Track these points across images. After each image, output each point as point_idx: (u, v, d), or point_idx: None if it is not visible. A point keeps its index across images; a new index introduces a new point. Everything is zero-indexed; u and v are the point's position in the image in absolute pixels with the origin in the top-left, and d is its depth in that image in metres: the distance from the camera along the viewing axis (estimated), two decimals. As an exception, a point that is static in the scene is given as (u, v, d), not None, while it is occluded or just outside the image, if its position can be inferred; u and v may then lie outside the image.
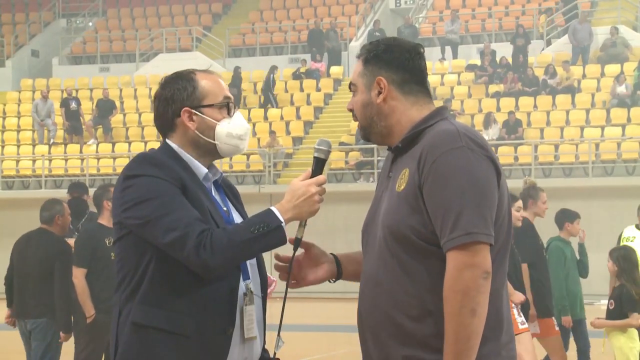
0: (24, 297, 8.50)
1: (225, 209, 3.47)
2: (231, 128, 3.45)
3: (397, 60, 3.25)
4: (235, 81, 27.52)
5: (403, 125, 3.23)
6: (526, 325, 8.39)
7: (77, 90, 29.14)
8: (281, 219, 3.28)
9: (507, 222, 3.17)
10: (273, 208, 3.30)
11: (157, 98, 3.48)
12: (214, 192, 3.48)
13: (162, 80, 3.51)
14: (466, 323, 2.99)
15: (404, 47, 3.28)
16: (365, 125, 3.30)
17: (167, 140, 3.46)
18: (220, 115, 3.45)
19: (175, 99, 3.43)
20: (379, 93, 3.24)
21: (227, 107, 3.46)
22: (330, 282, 3.52)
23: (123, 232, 3.34)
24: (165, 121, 3.46)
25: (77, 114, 27.41)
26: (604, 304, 9.45)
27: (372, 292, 3.20)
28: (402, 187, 3.14)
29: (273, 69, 27.46)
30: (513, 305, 8.28)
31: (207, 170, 3.46)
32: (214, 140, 3.43)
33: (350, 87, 3.33)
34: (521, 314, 8.39)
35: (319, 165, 3.39)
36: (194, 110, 3.42)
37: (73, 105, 27.40)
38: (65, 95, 28.11)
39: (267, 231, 3.25)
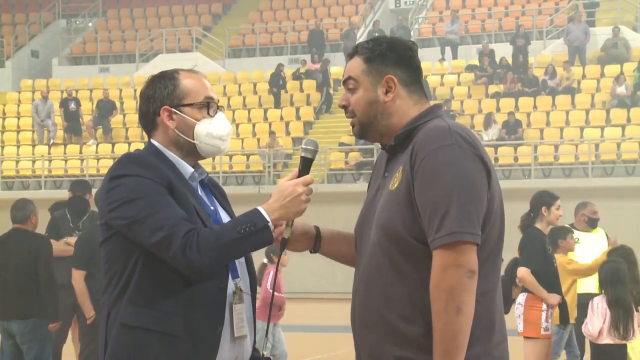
0: (10, 298, 8.41)
1: (212, 208, 3.45)
2: (212, 128, 3.42)
3: (402, 59, 3.25)
4: (276, 79, 27.46)
5: (402, 124, 3.23)
6: (549, 332, 8.34)
7: (77, 91, 29.13)
8: (268, 218, 3.27)
9: (499, 223, 3.16)
10: (260, 208, 3.29)
11: (141, 97, 3.49)
12: (200, 192, 3.46)
13: (148, 79, 3.53)
14: (451, 321, 2.99)
15: (404, 44, 3.28)
16: (365, 123, 3.28)
17: (152, 140, 3.46)
18: (200, 114, 3.42)
19: (156, 97, 3.44)
20: (387, 91, 3.24)
21: (208, 106, 3.44)
22: (310, 251, 3.55)
23: (110, 233, 3.33)
24: (147, 120, 3.46)
25: (76, 115, 27.40)
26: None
27: (365, 292, 3.20)
28: (396, 186, 3.14)
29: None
30: (543, 309, 8.28)
31: (193, 170, 3.44)
32: (194, 139, 3.41)
33: (345, 84, 3.30)
34: (549, 320, 8.32)
35: (305, 164, 3.38)
36: (173, 109, 3.42)
37: (72, 105, 27.39)
38: (65, 95, 28.10)
39: (254, 231, 3.24)
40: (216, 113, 3.45)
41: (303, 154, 3.39)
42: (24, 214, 8.46)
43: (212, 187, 3.55)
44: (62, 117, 27.44)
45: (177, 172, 3.38)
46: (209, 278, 3.27)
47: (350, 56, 3.34)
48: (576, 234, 9.93)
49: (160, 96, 3.43)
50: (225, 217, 3.46)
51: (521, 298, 8.33)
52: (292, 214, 3.32)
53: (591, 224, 10.17)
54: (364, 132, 3.30)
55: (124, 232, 3.28)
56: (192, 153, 3.43)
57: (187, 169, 3.43)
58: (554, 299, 8.28)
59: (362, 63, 3.26)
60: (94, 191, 9.35)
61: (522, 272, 8.23)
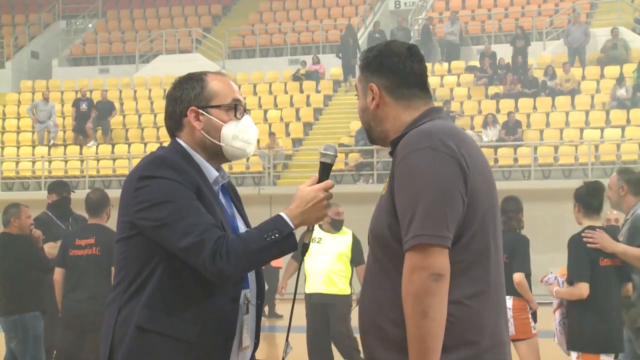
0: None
1: (230, 213, 3.46)
2: (238, 131, 3.42)
3: (386, 66, 3.25)
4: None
5: (397, 129, 3.24)
6: (536, 330, 8.53)
7: (76, 92, 29.11)
8: (292, 225, 3.28)
9: (491, 224, 3.14)
10: (283, 214, 3.30)
11: (168, 97, 3.49)
12: (220, 196, 3.47)
13: (175, 80, 3.51)
14: (418, 325, 2.99)
15: (395, 51, 3.27)
16: (365, 129, 3.34)
17: (177, 139, 3.44)
18: (227, 117, 3.43)
19: (184, 98, 3.43)
20: (373, 99, 3.26)
21: (235, 109, 3.44)
22: None
23: (132, 232, 3.31)
24: (174, 121, 3.45)
25: (87, 115, 27.30)
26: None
27: (362, 296, 3.24)
28: (385, 191, 3.17)
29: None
30: (529, 309, 8.46)
31: (217, 174, 3.44)
32: (220, 141, 3.41)
33: None
34: (535, 320, 8.54)
35: (325, 170, 3.40)
36: (200, 110, 3.41)
37: (83, 106, 27.34)
38: (79, 95, 28.05)
39: (280, 238, 3.25)
40: (243, 116, 3.45)
41: (322, 159, 3.40)
42: (5, 218, 8.78)
43: (230, 191, 3.56)
44: (73, 117, 27.40)
45: (203, 176, 3.38)
46: (225, 287, 3.28)
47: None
48: (319, 233, 10.41)
49: (188, 97, 3.42)
50: (240, 223, 3.47)
51: (508, 302, 8.41)
52: (313, 219, 3.34)
53: (334, 225, 10.61)
54: (369, 138, 3.35)
55: (150, 233, 3.26)
56: (217, 155, 3.43)
57: (212, 172, 3.43)
58: (536, 304, 8.50)
59: (358, 71, 3.34)
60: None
61: (519, 277, 8.34)
